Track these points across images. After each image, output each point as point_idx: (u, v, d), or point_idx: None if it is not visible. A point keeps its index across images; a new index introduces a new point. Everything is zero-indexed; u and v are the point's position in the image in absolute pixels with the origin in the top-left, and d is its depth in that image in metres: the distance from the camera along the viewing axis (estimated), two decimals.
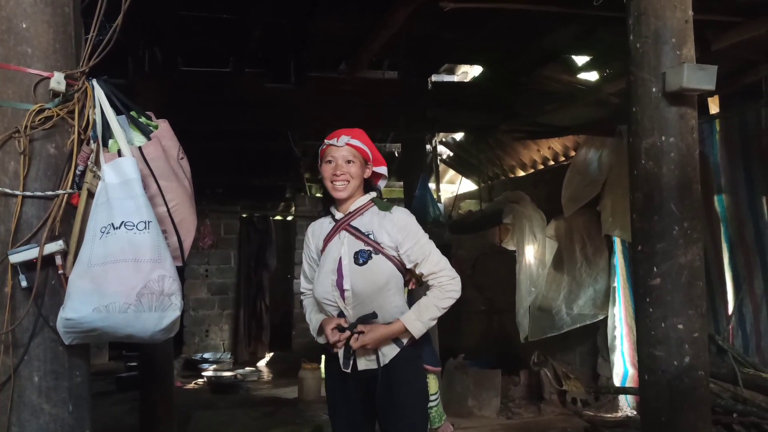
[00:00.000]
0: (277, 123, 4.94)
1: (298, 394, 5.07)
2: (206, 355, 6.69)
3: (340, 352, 1.71)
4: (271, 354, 7.12)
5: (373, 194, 1.80)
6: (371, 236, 1.71)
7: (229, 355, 6.78)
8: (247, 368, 6.48)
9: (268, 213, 7.46)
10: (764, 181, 3.28)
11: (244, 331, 7.02)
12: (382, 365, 1.69)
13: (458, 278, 1.72)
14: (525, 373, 4.65)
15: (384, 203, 1.79)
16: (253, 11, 3.35)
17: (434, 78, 4.57)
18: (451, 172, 6.79)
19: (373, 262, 1.69)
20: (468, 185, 6.32)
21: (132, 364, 5.85)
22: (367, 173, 1.78)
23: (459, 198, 5.95)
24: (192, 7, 3.40)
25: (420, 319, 1.68)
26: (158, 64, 3.81)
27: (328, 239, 1.78)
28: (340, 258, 1.72)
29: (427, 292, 1.73)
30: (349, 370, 1.71)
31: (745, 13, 2.54)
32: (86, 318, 1.29)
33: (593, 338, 4.44)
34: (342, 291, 1.71)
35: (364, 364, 1.71)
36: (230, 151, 6.17)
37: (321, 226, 1.83)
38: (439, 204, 4.30)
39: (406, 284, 1.77)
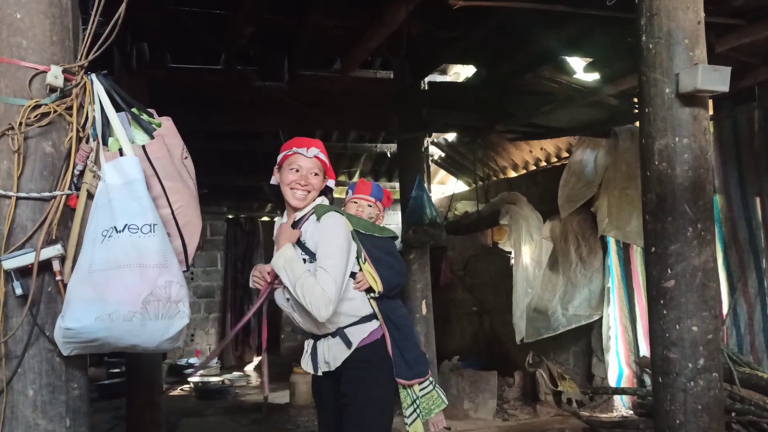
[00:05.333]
0: (268, 122, 4.83)
1: (290, 399, 4.96)
2: (192, 360, 6.54)
3: (308, 358, 1.82)
4: (259, 358, 6.99)
5: (319, 201, 1.81)
6: (306, 243, 1.75)
7: (216, 360, 6.64)
8: (234, 373, 6.35)
9: (255, 214, 7.31)
10: (757, 182, 3.34)
11: None
12: (334, 368, 1.76)
13: (327, 303, 1.63)
14: (519, 374, 4.64)
15: (323, 209, 1.77)
16: (246, 7, 3.26)
17: (428, 78, 4.53)
18: (442, 173, 6.77)
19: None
20: (460, 186, 6.31)
21: (115, 370, 5.66)
22: (323, 185, 1.83)
23: (454, 199, 5.93)
24: (182, 1, 3.29)
25: (289, 267, 1.66)
26: (145, 60, 3.69)
27: None
28: None
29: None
30: (318, 373, 1.81)
31: (744, 16, 2.57)
32: (88, 327, 1.21)
33: (587, 338, 4.45)
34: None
35: (324, 367, 1.79)
36: (214, 151, 6.04)
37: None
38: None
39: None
